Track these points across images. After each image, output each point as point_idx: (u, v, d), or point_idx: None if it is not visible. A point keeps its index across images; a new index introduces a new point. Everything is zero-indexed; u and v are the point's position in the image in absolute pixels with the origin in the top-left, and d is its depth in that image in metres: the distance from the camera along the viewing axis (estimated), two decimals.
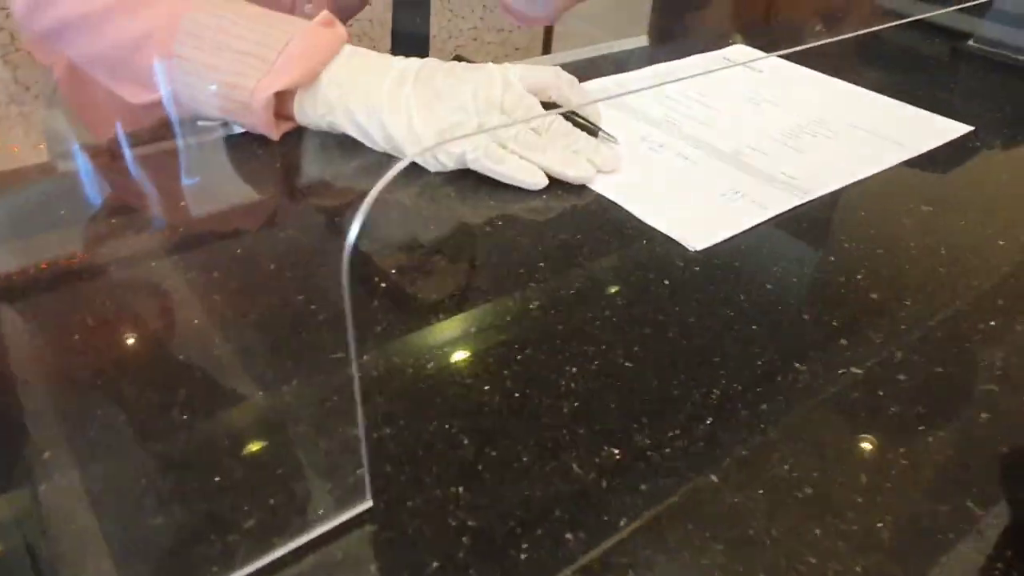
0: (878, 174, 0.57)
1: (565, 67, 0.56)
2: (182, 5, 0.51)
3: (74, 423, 0.33)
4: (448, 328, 0.40)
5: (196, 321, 0.39)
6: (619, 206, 0.51)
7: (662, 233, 0.48)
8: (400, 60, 0.52)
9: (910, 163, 0.59)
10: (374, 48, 0.53)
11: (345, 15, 0.82)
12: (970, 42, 0.82)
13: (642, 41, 0.93)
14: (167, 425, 0.32)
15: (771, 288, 0.43)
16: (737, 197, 0.52)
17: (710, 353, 0.38)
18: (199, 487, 0.30)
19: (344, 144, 0.55)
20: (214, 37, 0.49)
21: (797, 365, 0.37)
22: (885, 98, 0.69)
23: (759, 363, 0.38)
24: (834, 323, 0.41)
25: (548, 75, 0.53)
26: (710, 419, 0.34)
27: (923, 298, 0.43)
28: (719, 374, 0.37)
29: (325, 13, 0.53)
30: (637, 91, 0.66)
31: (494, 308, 0.41)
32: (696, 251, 0.46)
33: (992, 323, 0.42)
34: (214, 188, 0.52)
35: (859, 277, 0.45)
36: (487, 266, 0.45)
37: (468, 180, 0.53)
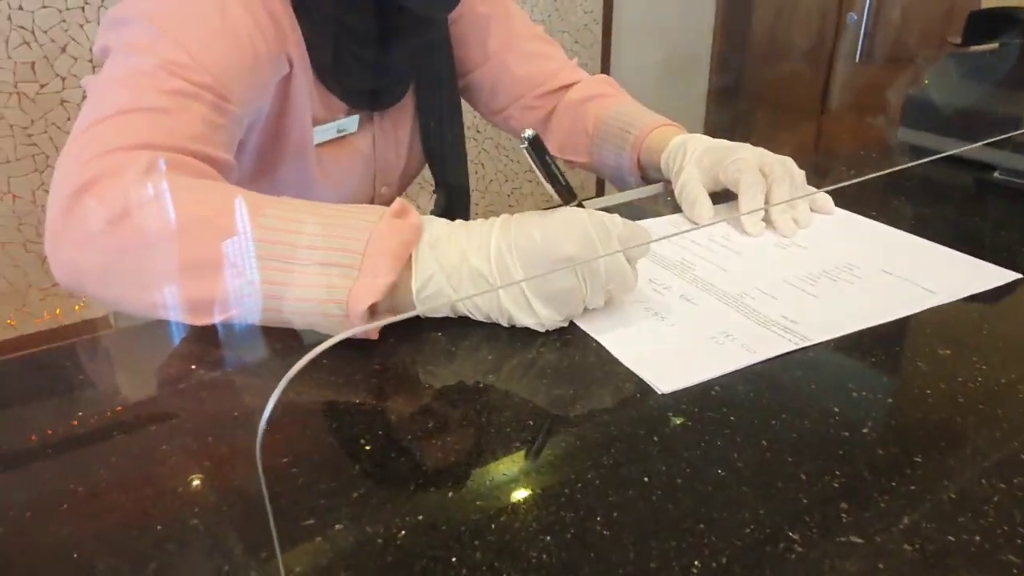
0: (896, 321, 0.54)
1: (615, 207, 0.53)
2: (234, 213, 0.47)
3: None
4: (422, 494, 0.38)
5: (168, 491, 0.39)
6: (616, 359, 0.49)
7: (657, 388, 0.46)
8: (481, 227, 0.50)
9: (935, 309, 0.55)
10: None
11: (407, 181, 0.90)
12: (996, 174, 0.81)
13: None
14: None
15: (766, 444, 0.41)
16: (726, 340, 0.50)
17: (695, 519, 0.36)
18: None
19: None
20: (286, 251, 0.46)
21: (790, 533, 0.35)
22: (926, 242, 0.66)
23: (748, 530, 0.35)
24: (835, 484, 0.38)
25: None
26: None
27: (937, 455, 0.40)
28: (703, 543, 0.35)
29: (399, 202, 0.49)
30: (658, 240, 0.66)
31: (477, 472, 0.40)
32: (663, 393, 0.45)
33: (1016, 481, 0.38)
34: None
35: (865, 431, 0.42)
36: (475, 425, 0.44)
37: (468, 333, 0.52)
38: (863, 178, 0.51)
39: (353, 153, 0.78)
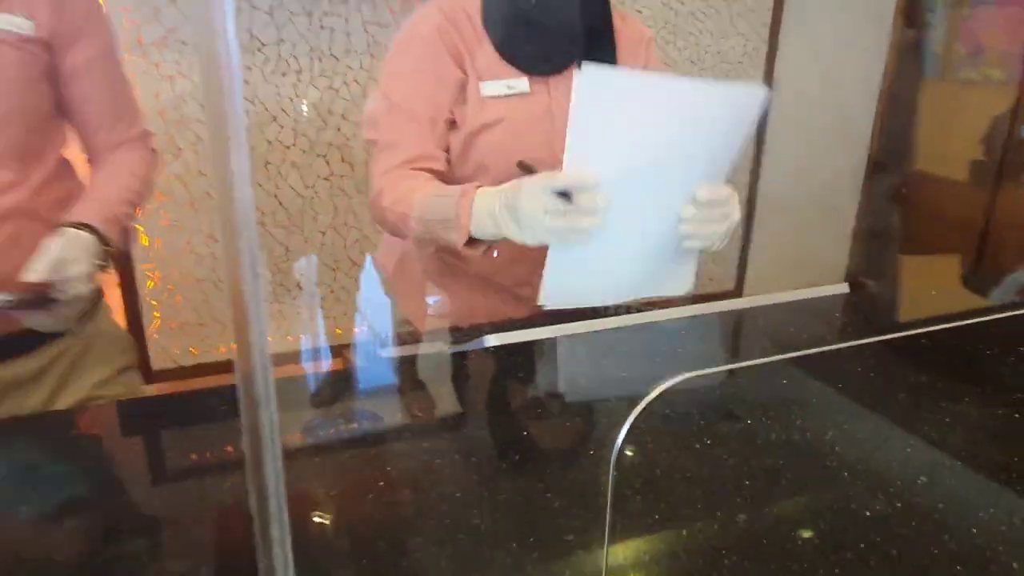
0: None
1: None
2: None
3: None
4: (665, 533, 0.44)
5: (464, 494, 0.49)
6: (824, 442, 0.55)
7: (868, 474, 0.51)
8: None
9: None
10: None
11: None
12: None
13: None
14: None
15: (976, 532, 0.44)
16: None
17: None
18: None
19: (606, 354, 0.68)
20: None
21: None
22: None
23: None
24: None
25: None
26: None
27: None
28: None
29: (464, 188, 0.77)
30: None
31: (705, 516, 0.45)
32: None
33: None
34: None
35: None
36: (698, 479, 0.50)
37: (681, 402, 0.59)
38: None
39: (527, 111, 0.93)
